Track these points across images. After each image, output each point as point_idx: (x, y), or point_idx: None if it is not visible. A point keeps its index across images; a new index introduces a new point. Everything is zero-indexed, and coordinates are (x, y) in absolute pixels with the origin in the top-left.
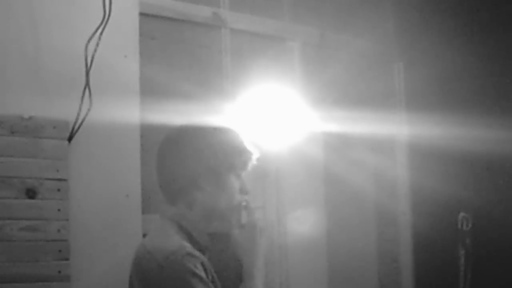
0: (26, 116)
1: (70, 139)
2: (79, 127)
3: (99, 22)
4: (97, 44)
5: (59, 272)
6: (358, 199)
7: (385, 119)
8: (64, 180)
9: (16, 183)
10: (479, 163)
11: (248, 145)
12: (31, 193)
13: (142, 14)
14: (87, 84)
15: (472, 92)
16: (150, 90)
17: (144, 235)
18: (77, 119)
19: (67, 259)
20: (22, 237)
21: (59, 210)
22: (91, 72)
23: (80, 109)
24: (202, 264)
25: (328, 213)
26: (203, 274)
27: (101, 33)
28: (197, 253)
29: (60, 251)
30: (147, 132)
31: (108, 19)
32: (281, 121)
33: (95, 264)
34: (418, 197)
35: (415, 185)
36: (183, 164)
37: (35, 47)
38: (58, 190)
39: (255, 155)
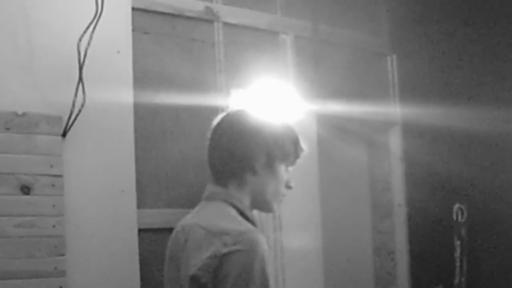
0: (20, 112)
1: (64, 134)
2: (73, 123)
3: (91, 17)
4: (90, 40)
5: (55, 267)
6: (353, 191)
7: (379, 111)
8: (59, 176)
9: (10, 180)
10: (474, 154)
11: (299, 141)
12: (26, 189)
13: (134, 9)
14: (81, 79)
15: (466, 83)
16: (143, 85)
17: (139, 230)
18: (71, 114)
19: (62, 255)
20: (17, 233)
21: (54, 206)
22: (84, 67)
23: (73, 104)
24: (267, 252)
25: (323, 206)
26: (267, 264)
27: (93, 29)
28: (263, 239)
29: (55, 246)
30: (141, 127)
31: (100, 14)
32: (274, 114)
33: (91, 259)
34: (413, 189)
35: (409, 177)
36: (242, 145)
37: (28, 43)
38: (53, 185)
39: (305, 152)
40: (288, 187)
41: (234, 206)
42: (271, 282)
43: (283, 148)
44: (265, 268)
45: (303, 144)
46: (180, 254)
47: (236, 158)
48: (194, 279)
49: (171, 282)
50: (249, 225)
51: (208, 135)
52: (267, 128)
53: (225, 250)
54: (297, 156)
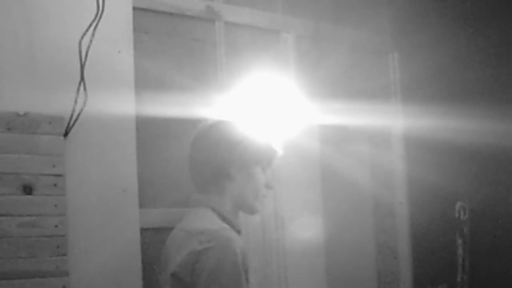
0: (21, 112)
1: (66, 134)
2: (74, 122)
3: (93, 17)
4: (91, 39)
5: (57, 267)
6: (355, 190)
7: (381, 110)
8: (61, 175)
9: (12, 180)
10: (476, 153)
11: (273, 142)
12: (28, 189)
13: (135, 9)
14: (82, 79)
15: (468, 82)
16: (145, 84)
17: (142, 230)
18: (72, 114)
19: (64, 255)
20: (19, 233)
21: (56, 205)
22: (85, 67)
23: (75, 104)
24: (240, 248)
25: (325, 205)
26: (240, 259)
27: (95, 28)
28: (237, 236)
29: (57, 246)
30: (143, 126)
31: (101, 13)
32: (276, 114)
33: (93, 259)
34: (415, 188)
35: (411, 175)
36: (217, 154)
37: (30, 43)
38: (55, 185)
39: (279, 153)
40: (268, 187)
41: (215, 211)
42: (244, 276)
43: (255, 152)
44: (237, 263)
45: (276, 146)
46: (166, 258)
47: (212, 166)
48: (173, 275)
49: (161, 284)
50: (223, 225)
51: (189, 148)
52: (238, 137)
53: (200, 247)
54: (271, 157)
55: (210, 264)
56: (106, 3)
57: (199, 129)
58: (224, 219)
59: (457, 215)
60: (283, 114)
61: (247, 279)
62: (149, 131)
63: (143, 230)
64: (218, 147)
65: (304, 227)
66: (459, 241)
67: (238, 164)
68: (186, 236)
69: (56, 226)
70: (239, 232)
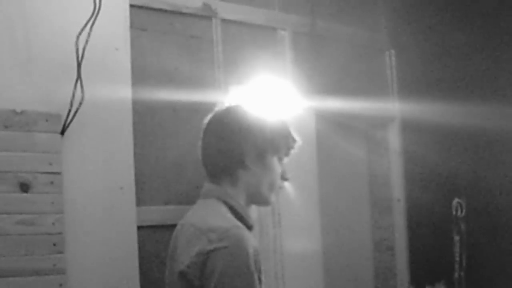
0: (18, 110)
1: (63, 132)
2: (71, 120)
3: (89, 14)
4: (88, 37)
5: (54, 265)
6: (352, 187)
7: (378, 107)
8: (58, 173)
9: (9, 178)
10: (473, 149)
11: (294, 132)
12: (25, 187)
13: (132, 6)
14: (79, 76)
15: (464, 79)
16: (142, 82)
17: (138, 227)
18: (69, 112)
19: (62, 252)
20: (16, 231)
21: (53, 203)
22: (82, 64)
23: (72, 102)
24: (253, 248)
25: (322, 202)
26: (253, 260)
27: (92, 26)
28: (250, 235)
29: (54, 244)
30: (139, 124)
31: (98, 11)
32: (273, 111)
33: (90, 257)
34: (412, 184)
35: (408, 172)
36: (230, 141)
37: (26, 41)
38: (52, 183)
39: (298, 143)
40: (284, 178)
41: (226, 204)
42: (257, 277)
43: (272, 141)
44: (249, 264)
45: (295, 135)
46: (174, 252)
47: (226, 155)
48: (182, 275)
49: (168, 279)
50: (236, 222)
51: (201, 134)
52: (254, 123)
53: (210, 247)
54: (289, 148)
55: (221, 266)
56: (103, 1)
57: (213, 114)
58: (236, 214)
59: (454, 212)
60: (279, 111)
61: (260, 279)
62: (146, 129)
63: (140, 228)
64: (233, 133)
65: (301, 225)
66: (456, 238)
67: (254, 152)
68: (195, 233)
69: (53, 224)
70: (251, 227)
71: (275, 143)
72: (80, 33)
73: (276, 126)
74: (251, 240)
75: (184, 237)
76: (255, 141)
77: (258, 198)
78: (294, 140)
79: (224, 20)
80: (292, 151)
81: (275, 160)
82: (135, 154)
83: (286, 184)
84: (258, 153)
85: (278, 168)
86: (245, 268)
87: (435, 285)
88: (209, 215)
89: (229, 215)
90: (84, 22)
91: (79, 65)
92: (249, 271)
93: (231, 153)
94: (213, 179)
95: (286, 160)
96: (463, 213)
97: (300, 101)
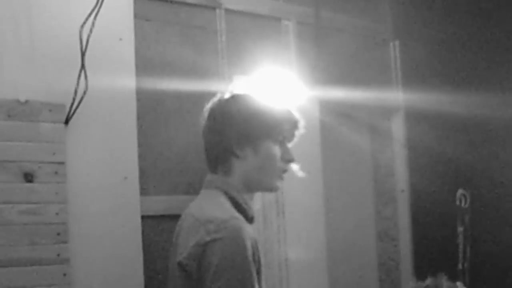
0: (22, 100)
1: (66, 122)
2: (75, 110)
3: (93, 4)
4: (92, 27)
5: (58, 255)
6: (356, 178)
7: (382, 98)
8: (62, 163)
9: (13, 167)
10: (478, 140)
11: (287, 113)
12: (29, 177)
13: None
14: (83, 66)
15: (469, 69)
16: (146, 72)
17: (143, 217)
18: (73, 102)
19: (65, 242)
20: (20, 220)
21: (57, 193)
22: (86, 54)
23: (76, 92)
24: (251, 240)
25: (326, 192)
26: (250, 252)
27: (95, 16)
28: (248, 227)
29: (58, 234)
30: (143, 114)
31: (102, 1)
32: (277, 101)
33: (94, 247)
34: (416, 175)
35: (413, 163)
36: (217, 132)
37: (30, 31)
38: (56, 173)
39: (294, 124)
40: (287, 161)
41: (226, 193)
42: (254, 268)
43: (259, 125)
44: (246, 256)
45: (289, 116)
46: (176, 241)
47: (216, 145)
48: (181, 266)
49: (170, 268)
50: (234, 213)
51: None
52: (236, 109)
53: (208, 238)
54: (282, 130)
55: (218, 257)
56: None
57: (208, 105)
58: (236, 204)
59: (458, 202)
60: (283, 102)
61: (259, 271)
62: (150, 119)
63: (144, 218)
64: (219, 123)
65: (305, 215)
66: (460, 229)
67: (241, 140)
68: (194, 224)
69: (57, 213)
70: (252, 219)
71: (263, 128)
72: (84, 23)
73: (263, 110)
74: (249, 231)
75: (184, 228)
76: (239, 128)
77: (259, 185)
78: (287, 122)
79: (228, 10)
80: (293, 133)
81: (270, 145)
82: (139, 144)
83: (293, 166)
84: (246, 139)
85: (275, 153)
86: (242, 259)
87: (437, 276)
88: (208, 206)
89: (228, 206)
90: (88, 12)
91: (83, 55)
92: (246, 262)
93: (220, 143)
94: (211, 169)
95: (289, 143)
96: (467, 204)
97: (304, 92)
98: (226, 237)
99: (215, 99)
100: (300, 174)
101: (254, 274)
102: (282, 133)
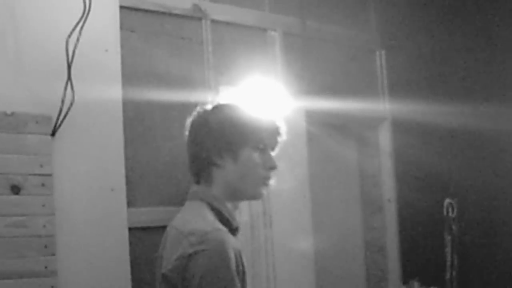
0: (8, 112)
1: (53, 133)
2: (62, 122)
3: (79, 16)
4: (78, 38)
5: (46, 267)
6: (343, 187)
7: (368, 107)
8: (49, 175)
9: (0, 180)
10: (464, 149)
11: (267, 120)
12: (15, 189)
13: (122, 7)
14: (69, 78)
15: (455, 79)
16: (132, 83)
17: (130, 229)
18: (60, 113)
19: (53, 254)
20: (7, 233)
21: (44, 205)
22: (73, 66)
23: (62, 103)
24: (234, 251)
25: (313, 202)
26: (233, 263)
27: (82, 27)
28: (231, 238)
29: (46, 246)
30: (130, 125)
31: (88, 12)
32: (263, 111)
33: (82, 259)
34: (403, 185)
35: (399, 172)
36: (197, 143)
37: (16, 41)
38: (43, 185)
39: (275, 130)
40: (269, 168)
41: (209, 204)
42: (238, 280)
43: (236, 134)
44: (230, 267)
45: (267, 123)
46: (162, 253)
47: (196, 156)
48: (165, 278)
49: (157, 281)
50: (217, 225)
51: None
52: (211, 120)
53: (190, 250)
54: (261, 137)
55: (201, 270)
56: (92, 2)
57: (188, 120)
58: (220, 215)
59: (445, 212)
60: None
61: (244, 281)
62: (136, 130)
63: (131, 229)
64: (199, 135)
65: (292, 225)
66: (448, 238)
67: (219, 149)
68: (177, 236)
69: (44, 226)
70: (236, 229)
71: (240, 136)
72: (70, 35)
73: (238, 119)
74: (232, 242)
75: (169, 241)
76: (215, 138)
77: (242, 194)
78: (265, 129)
79: (214, 21)
80: (276, 140)
81: (249, 152)
82: (125, 155)
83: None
84: (224, 148)
85: (255, 160)
86: (225, 271)
87: (409, 283)
88: (191, 218)
89: (212, 217)
90: (74, 23)
91: (69, 66)
92: (230, 274)
93: (200, 153)
94: (195, 180)
95: (272, 151)
96: (455, 214)
97: (290, 102)
98: (209, 249)
99: (195, 111)
100: (286, 185)
101: (238, 285)
102: (262, 141)
